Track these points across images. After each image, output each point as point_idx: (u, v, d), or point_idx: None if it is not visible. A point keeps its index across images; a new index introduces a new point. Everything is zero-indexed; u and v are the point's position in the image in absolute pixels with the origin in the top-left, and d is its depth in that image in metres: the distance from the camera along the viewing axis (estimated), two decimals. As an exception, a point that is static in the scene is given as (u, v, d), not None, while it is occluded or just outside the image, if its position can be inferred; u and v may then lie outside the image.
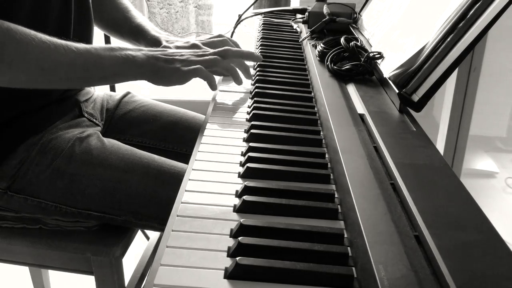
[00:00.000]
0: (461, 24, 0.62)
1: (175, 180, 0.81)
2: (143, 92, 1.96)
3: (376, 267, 0.38)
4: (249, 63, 0.95)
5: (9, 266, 0.94)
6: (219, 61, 0.84)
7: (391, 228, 0.43)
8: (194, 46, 0.94)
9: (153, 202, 0.80)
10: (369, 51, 0.84)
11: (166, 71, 0.80)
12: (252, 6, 1.35)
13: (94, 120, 0.96)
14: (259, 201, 0.52)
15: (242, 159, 0.63)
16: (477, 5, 0.61)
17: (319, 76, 0.85)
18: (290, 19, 1.39)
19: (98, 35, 1.06)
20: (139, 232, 1.11)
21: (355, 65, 0.83)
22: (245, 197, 0.53)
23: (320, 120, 0.75)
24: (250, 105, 0.81)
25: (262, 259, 0.43)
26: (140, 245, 1.36)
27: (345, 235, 0.49)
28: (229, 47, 0.88)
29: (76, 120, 0.91)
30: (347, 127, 0.64)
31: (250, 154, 0.62)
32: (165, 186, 0.81)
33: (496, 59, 1.50)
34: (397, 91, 0.67)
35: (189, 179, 0.58)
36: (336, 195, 0.56)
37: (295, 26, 1.32)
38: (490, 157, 1.92)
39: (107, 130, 1.00)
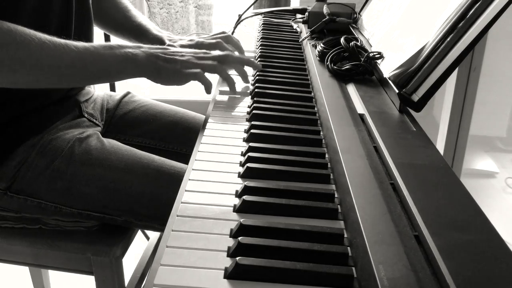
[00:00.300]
0: (461, 24, 0.62)
1: (175, 180, 0.81)
2: (143, 92, 1.96)
3: (376, 267, 0.38)
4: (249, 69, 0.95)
5: (9, 266, 0.94)
6: (218, 66, 0.84)
7: (391, 228, 0.43)
8: (197, 44, 0.94)
9: (153, 202, 0.80)
10: (369, 51, 0.84)
11: (166, 70, 0.80)
12: (252, 6, 1.35)
13: (94, 120, 0.96)
14: (259, 201, 0.52)
15: (242, 159, 0.63)
16: (477, 5, 0.61)
17: (319, 76, 0.85)
18: (290, 19, 1.39)
19: (98, 34, 1.06)
20: (139, 232, 1.11)
21: (355, 65, 0.83)
22: (245, 197, 0.53)
23: (320, 120, 0.75)
24: (250, 105, 0.81)
25: (262, 259, 0.43)
26: (140, 245, 1.36)
27: (345, 235, 0.49)
28: (230, 53, 0.88)
29: (76, 121, 0.91)
30: (347, 127, 0.64)
31: (250, 154, 0.62)
32: (165, 186, 0.81)
33: (496, 59, 1.50)
34: (397, 91, 0.67)
35: (189, 179, 0.58)
36: (336, 195, 0.56)
37: (295, 26, 1.32)
38: (490, 157, 1.92)
39: (107, 130, 1.00)
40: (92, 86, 1.12)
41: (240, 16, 1.28)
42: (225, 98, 0.86)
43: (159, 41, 0.99)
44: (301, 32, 1.25)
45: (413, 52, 0.69)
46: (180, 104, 1.09)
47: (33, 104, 0.84)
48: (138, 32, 1.03)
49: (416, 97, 0.64)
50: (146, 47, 0.81)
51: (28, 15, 0.76)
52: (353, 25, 1.11)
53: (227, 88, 0.90)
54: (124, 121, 1.02)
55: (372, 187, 0.50)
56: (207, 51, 0.86)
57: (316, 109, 0.80)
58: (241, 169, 0.60)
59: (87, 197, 0.80)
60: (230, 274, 0.42)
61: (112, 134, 0.99)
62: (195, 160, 0.63)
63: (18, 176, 0.80)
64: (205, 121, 0.76)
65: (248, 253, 0.44)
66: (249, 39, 1.26)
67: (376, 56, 0.81)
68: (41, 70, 0.71)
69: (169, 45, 0.93)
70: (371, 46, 0.91)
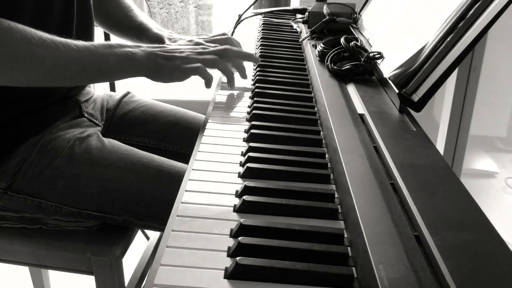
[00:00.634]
0: (461, 24, 0.62)
1: (175, 180, 0.81)
2: (143, 92, 1.97)
3: (376, 267, 0.38)
4: (249, 64, 0.95)
5: (9, 266, 0.94)
6: (218, 60, 0.84)
7: (391, 228, 0.43)
8: (197, 44, 0.94)
9: (153, 202, 0.80)
10: (369, 51, 0.84)
11: (166, 68, 0.80)
12: (252, 6, 1.35)
13: (94, 120, 0.96)
14: (259, 201, 0.52)
15: (242, 159, 0.63)
16: (477, 5, 0.61)
17: (319, 76, 0.85)
18: (290, 19, 1.39)
19: (98, 34, 1.06)
20: (139, 232, 1.11)
21: (355, 65, 0.83)
22: (245, 197, 0.53)
23: (320, 120, 0.75)
24: (250, 105, 0.81)
25: (262, 259, 0.43)
26: (140, 245, 1.36)
27: (345, 235, 0.49)
28: (229, 47, 0.88)
29: (76, 120, 0.91)
30: (347, 127, 0.64)
31: (250, 154, 0.62)
32: (165, 186, 0.81)
33: (496, 59, 1.50)
34: (397, 91, 0.67)
35: (189, 179, 0.58)
36: (336, 195, 0.56)
37: (295, 26, 1.32)
38: (490, 157, 1.92)
39: (107, 130, 1.00)
40: (92, 86, 1.12)
41: (240, 16, 1.28)
42: (225, 98, 0.86)
43: (159, 39, 0.99)
44: (301, 32, 1.25)
45: (413, 52, 0.69)
46: (180, 104, 1.09)
47: (34, 104, 0.84)
48: (139, 31, 1.03)
49: (416, 97, 0.64)
50: (145, 46, 0.81)
51: (29, 14, 0.76)
52: (353, 25, 1.11)
53: (227, 88, 0.90)
54: (124, 121, 1.02)
55: (372, 187, 0.50)
56: (206, 47, 0.87)
57: (316, 109, 0.80)
58: (241, 169, 0.60)
59: (87, 196, 0.80)
60: (230, 274, 0.42)
61: (112, 134, 0.99)
62: (195, 160, 0.63)
63: (18, 175, 0.80)
64: (205, 121, 0.76)
65: (248, 253, 0.44)
66: (249, 39, 1.26)
67: (376, 56, 0.81)
68: (40, 68, 0.71)
69: (167, 44, 0.93)
70: (371, 46, 0.91)
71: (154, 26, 1.03)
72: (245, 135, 0.71)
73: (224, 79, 0.91)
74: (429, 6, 0.76)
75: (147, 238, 1.32)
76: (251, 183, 0.56)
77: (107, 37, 1.75)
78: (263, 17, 1.42)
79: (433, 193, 0.48)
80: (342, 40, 0.90)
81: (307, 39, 1.12)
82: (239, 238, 0.45)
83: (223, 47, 0.87)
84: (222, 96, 0.87)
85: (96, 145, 0.84)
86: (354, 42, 0.87)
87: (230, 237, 0.48)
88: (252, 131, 0.70)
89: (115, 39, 1.13)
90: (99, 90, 1.08)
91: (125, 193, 0.80)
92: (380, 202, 0.47)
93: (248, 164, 0.60)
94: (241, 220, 0.48)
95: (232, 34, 1.19)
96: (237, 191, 0.56)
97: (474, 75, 1.38)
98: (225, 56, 0.86)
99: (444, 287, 0.36)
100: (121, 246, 0.83)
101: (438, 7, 0.71)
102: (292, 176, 0.59)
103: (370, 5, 1.10)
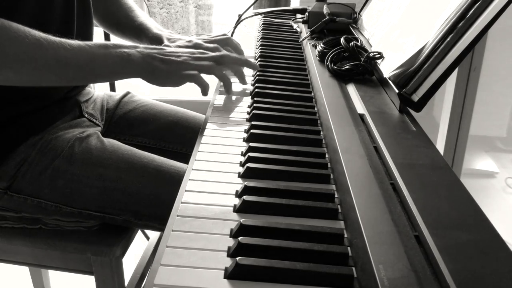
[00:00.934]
0: (460, 24, 0.62)
1: (175, 180, 0.81)
2: (143, 92, 1.96)
3: (376, 267, 0.38)
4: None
5: (9, 266, 0.94)
6: (215, 67, 0.83)
7: (391, 228, 0.43)
8: (196, 45, 0.93)
9: (153, 202, 0.80)
10: (369, 51, 0.84)
11: (162, 71, 0.79)
12: (252, 6, 1.35)
13: (94, 120, 0.96)
14: (259, 201, 0.52)
15: (242, 159, 0.63)
16: (477, 5, 0.61)
17: (319, 76, 0.85)
18: (290, 19, 1.39)
19: (97, 34, 1.06)
20: (139, 232, 1.11)
21: (355, 65, 0.83)
22: (245, 197, 0.53)
23: (320, 120, 0.75)
24: (250, 105, 0.81)
25: (262, 259, 0.43)
26: (140, 245, 1.36)
27: (345, 235, 0.49)
28: (227, 53, 0.87)
29: (76, 121, 0.91)
30: (347, 127, 0.64)
31: (250, 154, 0.62)
32: (165, 186, 0.81)
33: (496, 59, 1.51)
34: (397, 91, 0.67)
35: (189, 179, 0.58)
36: (336, 195, 0.56)
37: (295, 26, 1.32)
38: (490, 157, 1.92)
39: (107, 130, 1.00)
40: (92, 86, 1.12)
41: (240, 16, 1.28)
42: (225, 98, 0.86)
43: (158, 39, 0.98)
44: (301, 32, 1.25)
45: (413, 52, 0.69)
46: (180, 104, 1.09)
47: (34, 104, 0.84)
48: (139, 31, 1.03)
49: (416, 97, 0.64)
50: (142, 47, 0.80)
51: (29, 14, 0.76)
52: (353, 25, 1.11)
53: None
54: (124, 121, 1.02)
55: (372, 187, 0.50)
56: (204, 51, 0.86)
57: (316, 109, 0.80)
58: (241, 169, 0.60)
59: (87, 196, 0.80)
60: (230, 274, 0.42)
61: (112, 134, 0.99)
62: (195, 160, 0.63)
63: (18, 175, 0.80)
64: (205, 121, 0.76)
65: (248, 253, 0.44)
66: (249, 39, 1.26)
67: (376, 56, 0.81)
68: (34, 67, 0.71)
69: (165, 45, 0.92)
70: (371, 46, 0.91)
71: (154, 26, 1.03)
72: (245, 135, 0.71)
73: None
74: (429, 6, 0.76)
75: (147, 238, 1.32)
76: (251, 183, 0.56)
77: (107, 37, 1.75)
78: (263, 17, 1.42)
79: (433, 193, 0.48)
80: (342, 40, 0.90)
81: (307, 39, 1.12)
82: (239, 238, 0.45)
83: (221, 53, 0.86)
84: (222, 96, 0.87)
85: (96, 145, 0.84)
86: (354, 42, 0.87)
87: (230, 237, 0.48)
88: (252, 131, 0.70)
89: (115, 39, 1.13)
90: (99, 90, 1.08)
91: (125, 193, 0.80)
92: (380, 202, 0.47)
93: (248, 164, 0.60)
94: (241, 220, 0.48)
95: (232, 34, 1.19)
96: (237, 191, 0.56)
97: (474, 75, 1.38)
98: (223, 62, 0.85)
99: (444, 287, 0.36)
100: (121, 246, 0.83)
101: (438, 7, 0.71)
102: (292, 176, 0.59)
103: (370, 5, 1.10)
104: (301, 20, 1.31)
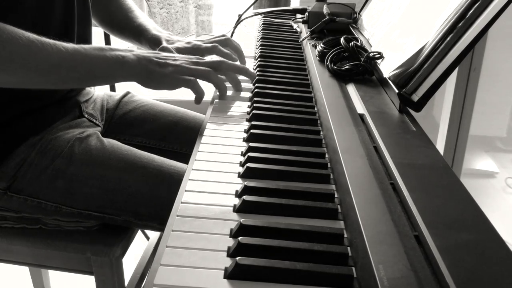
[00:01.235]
0: (460, 24, 0.62)
1: (175, 180, 0.81)
2: (143, 92, 1.96)
3: (376, 267, 0.38)
4: (249, 62, 0.94)
5: (9, 266, 0.94)
6: (211, 73, 0.82)
7: (391, 228, 0.43)
8: (194, 47, 0.93)
9: (153, 202, 0.80)
10: (369, 51, 0.84)
11: (157, 74, 0.78)
12: (252, 6, 1.35)
13: (94, 121, 0.96)
14: (259, 201, 0.52)
15: (242, 159, 0.63)
16: (477, 5, 0.61)
17: (319, 76, 0.85)
18: (290, 19, 1.39)
19: (97, 34, 1.06)
20: (139, 232, 1.11)
21: (355, 65, 0.83)
22: (245, 197, 0.53)
23: (320, 120, 0.75)
24: (250, 105, 0.81)
25: (262, 259, 0.43)
26: (140, 245, 1.36)
27: (345, 235, 0.49)
28: (225, 60, 0.87)
29: (76, 121, 0.91)
30: (347, 127, 0.64)
31: (250, 154, 0.62)
32: (165, 186, 0.81)
33: (496, 59, 1.51)
34: (397, 91, 0.67)
35: (189, 179, 0.58)
36: (336, 195, 0.56)
37: (295, 26, 1.32)
38: (490, 157, 1.92)
39: (107, 130, 1.00)
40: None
41: (240, 16, 1.28)
42: (225, 98, 0.86)
43: (157, 41, 0.98)
44: (301, 32, 1.25)
45: (413, 52, 0.69)
46: (180, 104, 1.09)
47: (33, 104, 0.84)
48: (138, 32, 1.03)
49: (416, 97, 0.64)
50: (138, 51, 0.80)
51: (29, 15, 0.76)
52: (353, 25, 1.11)
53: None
54: (124, 121, 1.02)
55: (372, 187, 0.50)
56: (201, 57, 0.85)
57: (316, 109, 0.80)
58: (241, 169, 0.60)
59: (87, 196, 0.80)
60: (230, 274, 0.42)
61: (112, 134, 0.99)
62: (195, 160, 0.63)
63: (18, 176, 0.80)
64: (205, 121, 0.76)
65: (248, 253, 0.44)
66: (249, 39, 1.26)
67: (376, 56, 0.81)
68: (27, 69, 0.70)
69: (162, 48, 0.92)
70: (371, 46, 0.91)
71: (153, 27, 1.03)
72: (245, 135, 0.71)
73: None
74: (429, 6, 0.76)
75: (147, 238, 1.32)
76: (251, 183, 0.56)
77: (107, 37, 1.75)
78: (263, 17, 1.42)
79: (433, 193, 0.48)
80: (342, 40, 0.90)
81: (307, 39, 1.12)
82: (239, 238, 0.45)
83: (219, 59, 0.86)
84: (222, 96, 0.87)
85: (96, 145, 0.84)
86: (354, 42, 0.87)
87: (230, 237, 0.48)
88: (252, 131, 0.70)
89: (115, 40, 1.13)
90: (99, 90, 1.08)
91: (125, 193, 0.80)
92: (380, 202, 0.47)
93: (248, 164, 0.60)
94: (241, 220, 0.48)
95: (232, 34, 1.19)
96: (237, 191, 0.56)
97: (474, 75, 1.38)
98: (220, 69, 0.84)
99: (443, 287, 0.36)
100: (121, 246, 0.83)
101: (438, 7, 0.71)
102: (292, 176, 0.59)
103: (370, 5, 1.10)
104: (301, 20, 1.31)
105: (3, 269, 1.47)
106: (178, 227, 0.49)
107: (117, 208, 0.81)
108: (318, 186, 0.58)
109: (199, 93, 0.80)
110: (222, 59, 0.87)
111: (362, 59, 0.83)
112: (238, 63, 0.94)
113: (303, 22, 1.27)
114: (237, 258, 0.43)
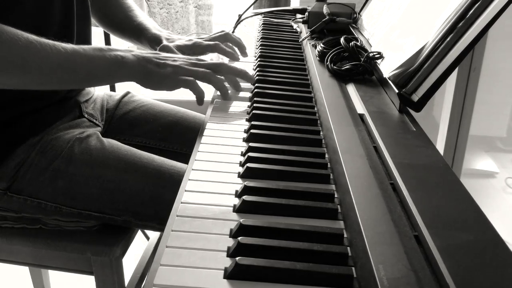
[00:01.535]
0: (460, 24, 0.62)
1: (175, 180, 0.81)
2: (143, 92, 1.96)
3: (376, 267, 0.38)
4: (250, 61, 0.94)
5: (9, 266, 0.94)
6: (211, 75, 0.81)
7: (391, 228, 0.43)
8: (195, 45, 0.93)
9: (152, 202, 0.80)
10: (369, 51, 0.84)
11: (156, 74, 0.78)
12: (252, 6, 1.35)
13: (94, 121, 0.96)
14: (259, 201, 0.52)
15: (242, 159, 0.63)
16: (477, 5, 0.61)
17: (319, 76, 0.85)
18: (290, 19, 1.39)
19: (97, 34, 1.06)
20: (139, 232, 1.11)
21: (355, 65, 0.83)
22: (244, 197, 0.53)
23: (320, 120, 0.75)
24: (250, 105, 0.81)
25: (262, 259, 0.43)
26: (140, 245, 1.36)
27: (345, 235, 0.49)
28: (225, 63, 0.86)
29: (76, 121, 0.91)
30: (347, 127, 0.64)
31: (250, 154, 0.62)
32: (164, 186, 0.81)
33: (496, 59, 1.51)
34: (397, 91, 0.67)
35: (189, 179, 0.58)
36: (336, 195, 0.56)
37: (295, 26, 1.32)
38: (490, 157, 1.92)
39: (107, 130, 1.00)
40: (91, 86, 1.12)
41: (240, 16, 1.28)
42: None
43: (157, 40, 0.98)
44: (301, 32, 1.25)
45: (413, 52, 0.69)
46: (180, 104, 1.09)
47: (33, 105, 0.84)
48: (138, 31, 1.03)
49: (416, 97, 0.64)
50: (137, 51, 0.80)
51: (29, 16, 0.76)
52: (353, 25, 1.11)
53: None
54: (124, 121, 1.02)
55: (372, 187, 0.50)
56: (200, 59, 0.85)
57: (316, 109, 0.80)
58: (241, 169, 0.60)
59: (87, 197, 0.80)
60: (230, 274, 0.42)
61: (112, 134, 0.99)
62: (195, 160, 0.63)
63: (18, 176, 0.80)
64: (205, 121, 0.76)
65: (248, 253, 0.44)
66: (249, 39, 1.26)
67: (376, 56, 0.81)
68: (26, 70, 0.70)
69: (162, 47, 0.92)
70: (371, 46, 0.91)
71: (153, 27, 1.03)
72: (245, 135, 0.71)
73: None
74: (429, 6, 0.76)
75: (147, 238, 1.32)
76: (250, 183, 0.56)
77: (107, 37, 1.76)
78: (263, 17, 1.42)
79: (433, 193, 0.48)
80: (342, 40, 0.90)
81: (307, 39, 1.12)
82: (239, 238, 0.45)
83: (218, 62, 0.86)
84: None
85: (96, 146, 0.84)
86: (354, 42, 0.87)
87: (230, 237, 0.48)
88: (252, 131, 0.70)
89: (115, 40, 1.13)
90: (99, 90, 1.08)
91: (124, 193, 0.80)
92: (380, 202, 0.47)
93: (248, 164, 0.60)
94: (241, 220, 0.48)
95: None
96: (236, 191, 0.56)
97: (474, 75, 1.38)
98: (219, 71, 0.84)
99: (443, 287, 0.36)
100: (121, 246, 0.83)
101: (438, 7, 0.71)
102: (292, 176, 0.59)
103: (370, 5, 1.10)
104: (301, 20, 1.31)
105: (3, 269, 1.47)
106: (178, 227, 0.49)
107: (117, 208, 0.81)
108: (318, 186, 0.58)
109: (199, 93, 0.80)
110: (221, 61, 0.87)
111: (362, 59, 0.83)
112: (237, 64, 0.94)
113: (303, 22, 1.27)
114: (237, 258, 0.43)
